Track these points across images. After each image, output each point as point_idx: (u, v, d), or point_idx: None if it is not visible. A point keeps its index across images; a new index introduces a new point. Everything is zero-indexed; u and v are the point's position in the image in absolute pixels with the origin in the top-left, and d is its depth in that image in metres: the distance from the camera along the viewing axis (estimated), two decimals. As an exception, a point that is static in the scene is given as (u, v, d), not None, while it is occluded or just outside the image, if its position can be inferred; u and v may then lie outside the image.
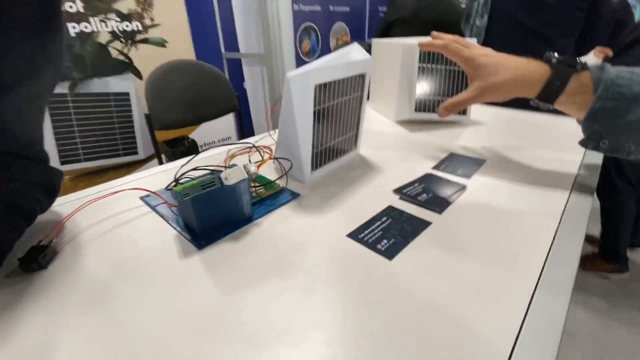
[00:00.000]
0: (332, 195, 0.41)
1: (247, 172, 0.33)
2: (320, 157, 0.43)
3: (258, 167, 0.43)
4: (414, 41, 0.54)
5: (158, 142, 1.31)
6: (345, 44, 2.95)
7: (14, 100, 0.29)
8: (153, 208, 0.39)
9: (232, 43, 2.13)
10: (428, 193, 0.39)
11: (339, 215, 0.37)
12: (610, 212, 1.42)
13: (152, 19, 1.76)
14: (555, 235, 0.33)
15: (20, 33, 0.28)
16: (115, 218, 0.37)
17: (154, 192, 0.41)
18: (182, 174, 0.45)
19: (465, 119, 0.63)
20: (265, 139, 0.60)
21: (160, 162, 1.30)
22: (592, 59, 1.35)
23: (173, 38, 1.82)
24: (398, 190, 0.40)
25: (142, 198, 0.41)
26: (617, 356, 1.14)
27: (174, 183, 0.43)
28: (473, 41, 0.48)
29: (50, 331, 0.23)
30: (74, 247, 0.33)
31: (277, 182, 0.43)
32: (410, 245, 0.32)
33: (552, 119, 0.67)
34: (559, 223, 0.35)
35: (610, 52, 1.34)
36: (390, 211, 0.37)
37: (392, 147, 0.52)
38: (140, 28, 1.69)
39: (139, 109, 1.60)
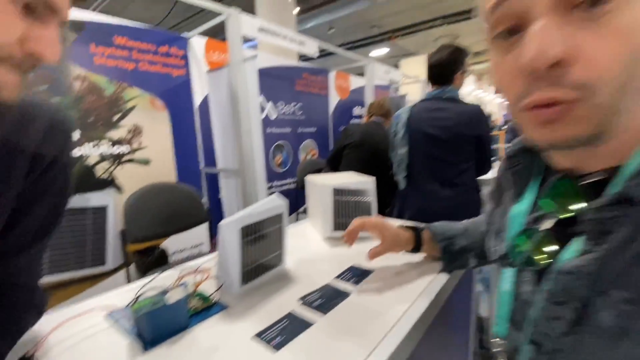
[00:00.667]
0: (253, 305, 0.54)
1: (186, 292, 0.46)
2: (250, 273, 0.57)
3: (199, 284, 0.57)
4: (329, 183, 0.76)
5: (128, 254, 1.40)
6: (313, 157, 3.37)
7: (28, 254, 0.43)
8: (116, 321, 0.49)
9: (210, 159, 2.44)
10: (322, 299, 0.54)
11: (253, 321, 0.50)
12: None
13: (140, 143, 2.04)
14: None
15: (44, 203, 0.44)
16: (86, 331, 0.48)
17: (117, 310, 0.52)
18: (140, 294, 0.57)
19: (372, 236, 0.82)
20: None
21: (129, 274, 1.36)
22: None
23: (157, 157, 2.07)
24: (302, 298, 0.55)
25: (108, 314, 0.52)
26: None
27: (133, 301, 0.55)
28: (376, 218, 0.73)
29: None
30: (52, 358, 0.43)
31: (212, 296, 0.56)
32: (295, 340, 0.45)
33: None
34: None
35: None
36: (289, 315, 0.50)
37: (312, 260, 0.69)
38: (128, 151, 1.92)
39: (114, 221, 1.66)
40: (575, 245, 0.33)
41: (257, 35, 2.25)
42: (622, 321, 0.30)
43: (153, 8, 1.80)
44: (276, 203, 0.58)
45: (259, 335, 0.46)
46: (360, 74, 3.84)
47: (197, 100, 2.35)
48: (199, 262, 0.72)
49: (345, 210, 0.79)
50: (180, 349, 0.44)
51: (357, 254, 0.72)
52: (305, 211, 3.04)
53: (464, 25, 7.87)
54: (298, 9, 5.93)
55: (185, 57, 2.21)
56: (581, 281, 0.32)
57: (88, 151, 1.64)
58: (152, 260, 1.74)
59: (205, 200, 2.39)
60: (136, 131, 2.01)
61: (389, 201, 1.78)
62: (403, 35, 8.33)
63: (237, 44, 2.00)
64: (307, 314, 0.52)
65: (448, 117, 1.35)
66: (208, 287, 0.59)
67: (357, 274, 0.64)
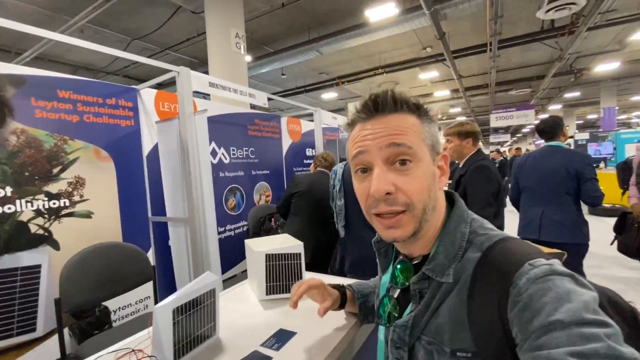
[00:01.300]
0: (188, 376, 0.60)
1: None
2: (184, 348, 0.63)
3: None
4: (262, 249, 0.86)
5: (63, 316, 1.33)
6: (267, 198, 3.45)
7: None
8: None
9: (159, 207, 2.41)
10: (247, 368, 0.62)
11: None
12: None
13: (81, 195, 1.99)
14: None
15: None
16: None
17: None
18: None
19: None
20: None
21: (62, 340, 1.29)
22: None
23: (100, 208, 2.02)
24: (230, 368, 0.62)
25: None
26: None
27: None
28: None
29: None
30: None
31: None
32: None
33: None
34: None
35: None
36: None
37: (245, 326, 0.77)
38: (68, 204, 1.86)
39: (48, 281, 1.56)
40: (410, 307, 0.53)
41: (208, 90, 2.38)
42: (429, 357, 0.48)
43: (97, 53, 1.84)
44: (210, 280, 0.66)
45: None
46: (312, 119, 4.10)
47: (146, 149, 2.37)
48: (136, 338, 0.76)
49: (277, 274, 0.89)
50: None
51: (285, 316, 0.81)
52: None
53: (401, 73, 8.80)
54: (250, 58, 6.25)
55: (134, 109, 2.26)
56: (405, 331, 0.52)
57: (21, 207, 1.56)
58: (92, 321, 1.65)
59: (151, 252, 2.33)
60: (78, 183, 1.97)
61: (334, 246, 1.91)
62: (349, 81, 9.05)
63: (187, 99, 2.10)
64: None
65: None
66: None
67: (282, 338, 0.73)
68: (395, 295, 0.58)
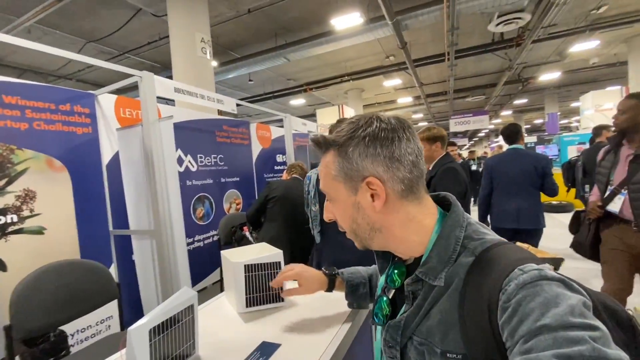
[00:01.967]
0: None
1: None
2: (163, 368, 0.59)
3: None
4: (240, 260, 0.84)
5: (14, 344, 1.20)
6: (238, 206, 3.36)
7: None
8: None
9: (121, 220, 2.27)
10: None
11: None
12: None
13: (31, 210, 1.81)
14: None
15: None
16: None
17: None
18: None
19: (285, 304, 0.91)
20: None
21: (12, 372, 1.16)
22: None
23: (54, 223, 1.85)
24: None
25: None
26: None
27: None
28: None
29: None
30: None
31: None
32: None
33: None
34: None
35: None
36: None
37: (225, 341, 0.74)
38: (16, 220, 1.70)
39: None
40: (404, 307, 0.55)
41: (173, 96, 2.29)
42: (420, 357, 0.50)
43: (47, 55, 1.70)
44: (187, 296, 0.63)
45: None
46: (282, 125, 4.08)
47: (106, 158, 2.22)
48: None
49: (257, 285, 0.86)
50: None
51: (268, 328, 0.79)
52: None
53: (367, 81, 9.07)
54: (216, 63, 6.12)
55: (92, 115, 2.11)
56: (397, 331, 0.54)
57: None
58: (46, 348, 1.51)
59: (113, 268, 2.18)
60: (28, 196, 1.80)
61: (310, 251, 1.90)
62: (317, 88, 9.15)
63: (150, 105, 2.01)
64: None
65: None
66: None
67: (266, 352, 0.71)
68: (390, 296, 0.59)
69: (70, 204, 1.96)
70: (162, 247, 2.02)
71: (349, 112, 6.81)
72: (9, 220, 1.65)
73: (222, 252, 0.95)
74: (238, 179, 3.52)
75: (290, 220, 2.23)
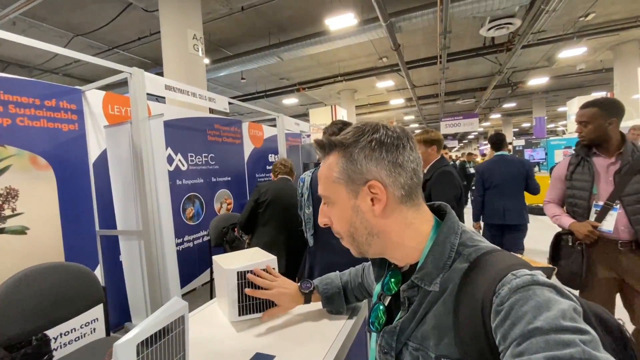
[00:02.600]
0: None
1: None
2: (152, 383, 0.57)
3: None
4: (233, 267, 0.82)
5: (-7, 353, 1.15)
6: (229, 206, 3.32)
7: None
8: None
9: (108, 220, 2.21)
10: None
11: None
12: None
13: (13, 209, 1.74)
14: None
15: None
16: None
17: None
18: None
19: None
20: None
21: (-10, 381, 1.11)
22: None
23: (37, 223, 1.79)
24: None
25: None
26: None
27: None
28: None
29: None
30: None
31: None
32: None
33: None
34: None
35: None
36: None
37: (217, 353, 0.71)
38: (-5, 221, 1.63)
39: None
40: (399, 313, 0.55)
41: (164, 93, 2.24)
42: None
43: (33, 49, 1.64)
44: (177, 307, 0.60)
45: None
46: (274, 124, 4.05)
47: (93, 156, 2.16)
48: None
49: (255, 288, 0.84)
50: None
51: (261, 338, 0.77)
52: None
53: (359, 82, 9.10)
54: (208, 60, 6.04)
55: (79, 111, 2.05)
56: (393, 337, 0.53)
57: None
58: (27, 353, 1.45)
59: (99, 270, 2.12)
60: (9, 195, 1.73)
61: (302, 254, 1.88)
62: (310, 87, 9.13)
63: (140, 102, 1.96)
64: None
65: None
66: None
67: (260, 361, 0.69)
68: (386, 303, 0.59)
69: (55, 203, 1.89)
70: (151, 248, 1.97)
71: (342, 113, 6.80)
72: (-12, 221, 1.58)
73: (213, 257, 0.92)
74: (229, 178, 3.47)
75: (283, 223, 2.20)
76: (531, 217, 2.73)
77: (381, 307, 0.60)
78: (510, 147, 11.55)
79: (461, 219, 1.91)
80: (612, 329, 0.49)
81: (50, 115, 1.90)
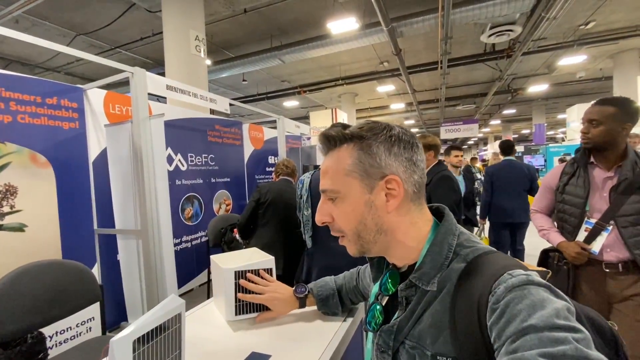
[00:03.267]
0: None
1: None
2: (148, 378, 0.57)
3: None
4: (230, 266, 0.82)
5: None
6: (228, 207, 3.32)
7: None
8: None
9: (107, 218, 2.20)
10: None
11: None
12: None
13: (12, 206, 1.74)
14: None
15: None
16: None
17: None
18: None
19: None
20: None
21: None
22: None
23: (36, 221, 1.79)
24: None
25: None
26: None
27: None
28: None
29: None
30: None
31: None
32: None
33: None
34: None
35: None
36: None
37: (213, 352, 0.71)
38: (-4, 216, 1.64)
39: None
40: (397, 313, 0.55)
41: (165, 93, 2.25)
42: None
43: (35, 47, 1.65)
44: (174, 304, 0.61)
45: None
46: (274, 126, 4.06)
47: (93, 154, 2.16)
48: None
49: (247, 292, 0.84)
50: None
51: (257, 337, 0.77)
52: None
53: (360, 85, 9.13)
54: (209, 62, 6.06)
55: (79, 110, 2.05)
56: (390, 336, 0.54)
57: None
58: (22, 350, 1.44)
59: (96, 268, 2.12)
60: (8, 192, 1.74)
61: (299, 257, 1.88)
62: (311, 90, 9.16)
63: (141, 102, 1.96)
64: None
65: None
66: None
67: (255, 361, 0.69)
68: (384, 303, 0.60)
69: (54, 201, 1.89)
70: (149, 248, 1.97)
71: (342, 116, 6.82)
72: (-14, 217, 1.58)
73: (211, 257, 0.92)
74: (229, 179, 3.48)
75: (283, 225, 2.20)
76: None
77: (378, 307, 0.60)
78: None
79: (460, 222, 1.93)
80: (604, 330, 0.50)
81: (51, 113, 1.91)
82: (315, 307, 0.90)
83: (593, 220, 1.31)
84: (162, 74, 3.59)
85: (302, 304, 0.88)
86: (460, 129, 11.48)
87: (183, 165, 2.91)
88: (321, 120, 6.45)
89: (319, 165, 1.72)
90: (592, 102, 1.37)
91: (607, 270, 1.29)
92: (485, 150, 21.16)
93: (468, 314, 0.45)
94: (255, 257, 0.92)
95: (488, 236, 3.45)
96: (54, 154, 1.90)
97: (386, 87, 9.52)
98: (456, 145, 3.36)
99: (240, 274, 0.83)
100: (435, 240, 0.53)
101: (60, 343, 1.85)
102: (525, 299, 0.40)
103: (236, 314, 0.82)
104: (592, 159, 1.35)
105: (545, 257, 1.49)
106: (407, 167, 0.53)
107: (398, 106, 12.48)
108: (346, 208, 0.54)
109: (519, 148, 11.23)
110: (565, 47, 6.60)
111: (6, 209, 1.71)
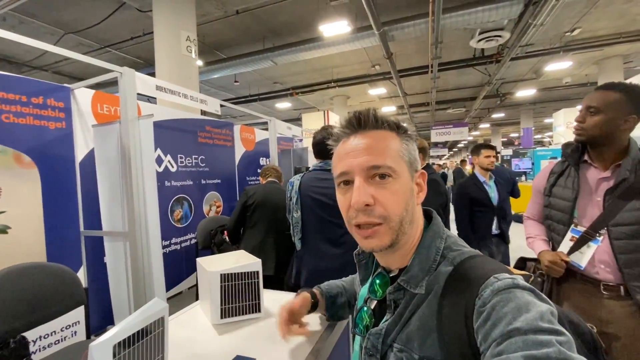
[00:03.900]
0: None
1: None
2: (129, 382, 0.56)
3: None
4: (216, 269, 0.82)
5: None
6: (218, 209, 3.30)
7: None
8: None
9: (94, 220, 2.17)
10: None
11: None
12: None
13: (-4, 208, 1.70)
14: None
15: None
16: None
17: None
18: None
19: (262, 315, 0.89)
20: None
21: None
22: None
23: (19, 222, 1.75)
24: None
25: None
26: None
27: None
28: None
29: None
30: None
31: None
32: None
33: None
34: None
35: None
36: None
37: (196, 355, 0.71)
38: (-22, 218, 1.60)
39: None
40: (385, 316, 0.55)
41: (155, 94, 2.23)
42: None
43: (22, 45, 1.62)
44: (157, 308, 0.60)
45: None
46: (266, 128, 4.05)
47: (80, 155, 2.13)
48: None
49: (233, 295, 0.84)
50: None
51: (242, 341, 0.77)
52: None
53: (352, 88, 9.18)
54: (201, 62, 6.02)
55: (66, 109, 2.02)
56: (379, 339, 0.54)
57: None
58: (4, 356, 1.41)
59: (82, 271, 2.08)
60: (-9, 193, 1.70)
61: (290, 258, 1.88)
62: (303, 92, 9.17)
63: (130, 102, 1.94)
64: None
65: (330, 185, 1.57)
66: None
67: (239, 363, 0.69)
68: (372, 307, 0.60)
69: (39, 202, 1.86)
70: (136, 250, 1.95)
71: (335, 118, 6.84)
72: (-32, 219, 1.54)
73: (197, 259, 0.92)
74: (219, 181, 3.46)
75: (272, 227, 2.19)
76: (516, 226, 2.77)
77: (366, 309, 0.60)
78: (498, 155, 11.99)
79: (447, 225, 1.95)
80: (583, 333, 0.52)
81: (36, 113, 1.88)
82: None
83: (581, 229, 1.10)
84: (153, 74, 3.55)
85: (314, 306, 0.80)
86: (451, 132, 11.62)
87: (173, 167, 2.89)
88: (313, 122, 6.46)
89: (310, 167, 1.73)
90: (578, 106, 1.15)
91: (605, 292, 1.07)
92: (475, 153, 21.35)
93: (455, 317, 0.46)
94: (242, 260, 0.92)
95: None
96: (40, 154, 1.87)
97: (378, 90, 9.59)
98: (487, 143, 2.84)
99: (226, 277, 0.83)
100: (423, 243, 0.54)
101: (44, 348, 1.81)
102: (511, 302, 0.41)
103: (222, 317, 0.82)
104: (585, 157, 1.14)
105: (521, 266, 1.32)
106: (420, 164, 0.57)
107: (389, 109, 12.58)
108: (397, 189, 0.51)
109: (507, 152, 11.44)
110: (551, 53, 6.75)
111: (-11, 211, 1.67)
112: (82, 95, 2.17)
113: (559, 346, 0.36)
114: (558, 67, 7.52)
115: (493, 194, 2.62)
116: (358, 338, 0.61)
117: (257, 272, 0.88)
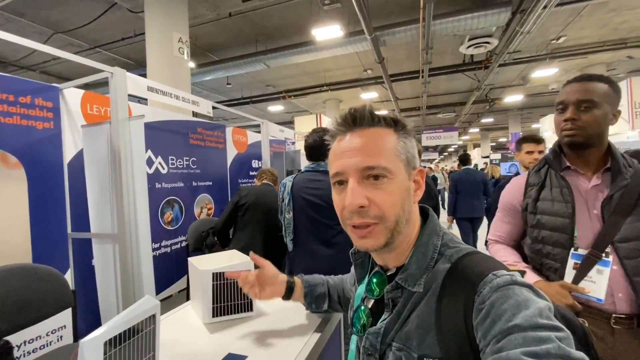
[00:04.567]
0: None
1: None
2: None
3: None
4: (208, 268, 0.82)
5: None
6: (209, 211, 3.27)
7: None
8: None
9: (82, 222, 2.13)
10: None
11: None
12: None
13: (-20, 209, 1.67)
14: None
15: None
16: None
17: None
18: None
19: (253, 314, 0.89)
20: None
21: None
22: None
23: (4, 223, 1.71)
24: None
25: None
26: None
27: None
28: None
29: None
30: None
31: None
32: None
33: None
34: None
35: None
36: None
37: (187, 354, 0.71)
38: (-39, 219, 1.56)
39: None
40: (384, 315, 0.55)
41: (146, 95, 2.21)
42: None
43: (9, 44, 1.59)
44: (149, 305, 0.60)
45: None
46: (258, 130, 4.05)
47: (68, 156, 2.10)
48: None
49: (224, 294, 0.84)
50: None
51: (234, 339, 0.77)
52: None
53: (345, 92, 9.25)
54: (193, 64, 6.00)
55: (55, 109, 1.99)
56: (377, 338, 0.53)
57: None
58: (-16, 363, 1.37)
59: (69, 274, 2.04)
60: (-24, 193, 1.66)
61: (282, 259, 1.88)
62: (295, 96, 9.20)
63: (121, 103, 1.93)
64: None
65: (322, 187, 1.59)
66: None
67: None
68: (370, 306, 0.59)
69: (25, 203, 1.82)
70: (125, 252, 1.92)
71: (327, 122, 6.88)
72: (-49, 220, 1.50)
73: (189, 259, 0.92)
74: (211, 183, 3.43)
75: (263, 227, 2.19)
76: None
77: (363, 309, 0.59)
78: (486, 159, 12.20)
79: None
80: (576, 328, 0.52)
81: (24, 112, 1.84)
82: (294, 306, 0.87)
83: (583, 252, 0.89)
84: (144, 75, 3.52)
85: (289, 290, 0.81)
86: (441, 137, 11.79)
87: (163, 168, 2.86)
88: (306, 125, 6.48)
89: (301, 169, 1.74)
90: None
91: (616, 326, 0.84)
92: (465, 157, 21.66)
93: (454, 315, 0.46)
94: (234, 259, 0.93)
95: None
96: (26, 154, 1.83)
97: (370, 94, 9.67)
98: (532, 135, 2.35)
99: (217, 276, 0.83)
100: (420, 241, 0.54)
101: (30, 352, 1.77)
102: (510, 299, 0.41)
103: (213, 316, 0.82)
104: (567, 162, 0.96)
105: None
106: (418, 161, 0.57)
107: (381, 113, 12.68)
108: (392, 189, 0.50)
109: (496, 156, 11.66)
110: (538, 60, 6.93)
111: (-28, 212, 1.63)
112: (72, 96, 2.14)
113: (559, 342, 0.36)
114: (544, 73, 7.72)
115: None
116: (354, 338, 0.60)
117: (249, 270, 0.89)
